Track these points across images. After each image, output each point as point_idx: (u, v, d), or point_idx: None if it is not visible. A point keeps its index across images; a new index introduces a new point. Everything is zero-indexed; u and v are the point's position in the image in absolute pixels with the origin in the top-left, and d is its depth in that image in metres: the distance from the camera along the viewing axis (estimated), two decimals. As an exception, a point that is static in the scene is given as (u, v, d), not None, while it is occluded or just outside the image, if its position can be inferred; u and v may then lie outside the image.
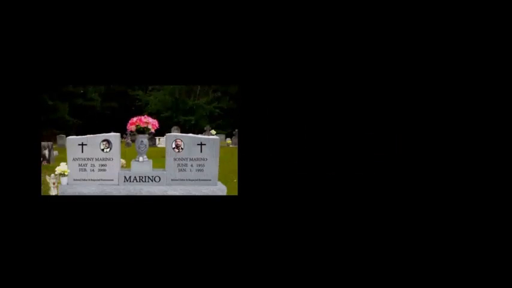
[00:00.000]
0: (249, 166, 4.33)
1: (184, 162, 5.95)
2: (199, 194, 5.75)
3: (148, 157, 6.21)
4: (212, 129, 19.90)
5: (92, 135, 6.01)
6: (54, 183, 5.86)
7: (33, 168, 4.26)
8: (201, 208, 4.35)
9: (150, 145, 6.44)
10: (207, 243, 4.27)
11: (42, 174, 4.83)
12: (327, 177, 4.34)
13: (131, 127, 6.14)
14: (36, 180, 4.30)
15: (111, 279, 4.16)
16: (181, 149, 5.96)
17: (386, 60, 4.31)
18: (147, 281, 4.16)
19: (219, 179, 6.12)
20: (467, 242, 4.22)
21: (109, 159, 5.90)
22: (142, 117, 6.22)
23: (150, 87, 28.01)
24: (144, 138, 6.16)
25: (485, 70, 4.26)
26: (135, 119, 6.17)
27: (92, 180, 5.87)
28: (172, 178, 5.93)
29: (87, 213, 4.28)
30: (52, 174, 5.94)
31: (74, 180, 5.86)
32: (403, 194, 4.31)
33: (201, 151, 5.97)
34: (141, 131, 6.13)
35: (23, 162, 4.22)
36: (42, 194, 5.19)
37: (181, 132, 19.43)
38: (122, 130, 7.33)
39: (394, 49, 4.30)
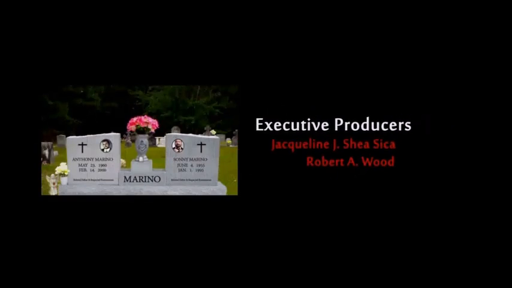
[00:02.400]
0: (249, 166, 4.33)
1: (184, 162, 5.95)
2: (199, 194, 5.75)
3: (148, 157, 6.21)
4: (212, 129, 19.91)
5: (92, 135, 6.01)
6: (54, 183, 5.86)
7: (33, 168, 4.26)
8: (201, 208, 4.35)
9: (150, 145, 6.44)
10: (207, 243, 4.27)
11: (42, 174, 4.83)
12: (328, 177, 4.34)
13: (131, 127, 6.14)
14: (36, 180, 4.30)
15: (111, 279, 4.16)
16: (181, 149, 5.96)
17: (388, 60, 4.31)
18: (147, 281, 4.16)
19: (219, 179, 6.12)
20: (467, 242, 4.22)
21: (109, 159, 5.90)
22: (142, 117, 6.22)
23: (150, 87, 28.03)
24: (144, 138, 6.16)
25: (485, 70, 4.26)
26: (135, 119, 6.17)
27: (92, 180, 5.87)
28: (172, 178, 5.94)
29: (87, 213, 4.28)
30: (52, 174, 5.94)
31: (74, 180, 5.86)
32: (403, 201, 4.31)
33: (201, 151, 5.97)
34: (141, 131, 6.14)
35: (23, 162, 4.23)
36: (42, 194, 5.17)
37: (181, 132, 19.43)
38: (122, 130, 7.33)
39: (395, 50, 4.30)
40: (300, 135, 4.37)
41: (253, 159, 4.36)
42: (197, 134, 11.70)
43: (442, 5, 4.27)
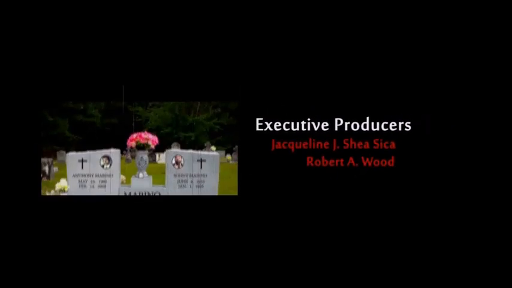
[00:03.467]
0: (249, 166, 4.30)
1: (184, 178, 5.94)
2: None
3: (149, 173, 6.19)
4: (212, 145, 19.84)
5: (91, 151, 6.00)
6: (53, 200, 5.83)
7: (32, 168, 4.25)
8: (201, 208, 4.32)
9: (150, 161, 6.43)
10: (207, 243, 4.23)
11: (42, 191, 4.82)
12: (328, 177, 4.32)
13: (131, 143, 6.15)
14: (36, 181, 4.28)
15: (111, 279, 4.10)
16: (181, 165, 5.95)
17: (387, 61, 4.32)
18: (147, 281, 4.10)
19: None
20: (466, 241, 4.18)
21: (109, 176, 5.89)
22: (142, 133, 6.22)
23: (150, 104, 27.99)
24: (144, 155, 6.16)
25: (485, 70, 4.26)
26: (135, 135, 6.17)
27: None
28: (173, 194, 5.91)
29: (87, 213, 4.25)
30: (52, 191, 5.92)
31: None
32: (403, 201, 4.28)
33: (201, 167, 5.96)
34: (141, 147, 6.14)
35: (23, 162, 4.22)
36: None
37: (181, 148, 19.37)
38: (122, 146, 7.32)
39: (395, 51, 4.31)
40: (300, 135, 4.35)
41: (253, 159, 4.34)
42: (197, 150, 11.67)
43: (442, 6, 4.28)
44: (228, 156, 20.44)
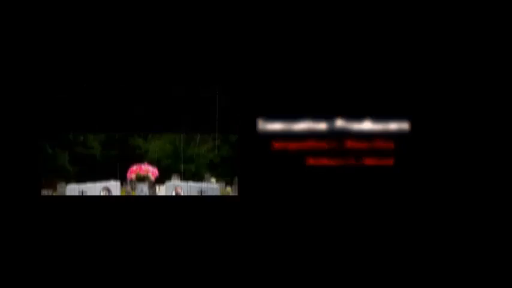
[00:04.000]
0: (249, 166, 4.26)
1: (184, 209, 5.89)
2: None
3: (149, 205, 6.16)
4: (212, 177, 19.79)
5: (92, 183, 6.00)
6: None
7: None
8: (201, 208, 4.27)
9: (150, 193, 6.42)
10: (207, 242, 4.16)
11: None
12: (328, 177, 4.28)
13: (131, 175, 6.14)
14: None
15: (111, 279, 4.01)
16: (182, 197, 5.94)
17: (387, 61, 4.35)
18: (147, 280, 4.01)
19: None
20: (465, 240, 4.12)
21: (110, 207, 5.85)
22: (143, 165, 6.22)
23: (150, 136, 28.08)
24: (144, 187, 6.16)
25: (484, 71, 4.28)
26: (135, 167, 6.17)
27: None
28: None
29: (87, 214, 4.21)
30: None
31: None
32: (402, 200, 4.24)
33: (201, 199, 5.95)
34: (141, 179, 6.13)
35: (23, 165, 4.20)
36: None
37: (182, 180, 19.32)
38: (122, 178, 7.30)
39: (395, 51, 4.34)
40: (300, 135, 4.32)
41: (253, 159, 4.30)
42: (197, 182, 11.60)
43: (442, 8, 4.33)
44: (228, 189, 20.45)
